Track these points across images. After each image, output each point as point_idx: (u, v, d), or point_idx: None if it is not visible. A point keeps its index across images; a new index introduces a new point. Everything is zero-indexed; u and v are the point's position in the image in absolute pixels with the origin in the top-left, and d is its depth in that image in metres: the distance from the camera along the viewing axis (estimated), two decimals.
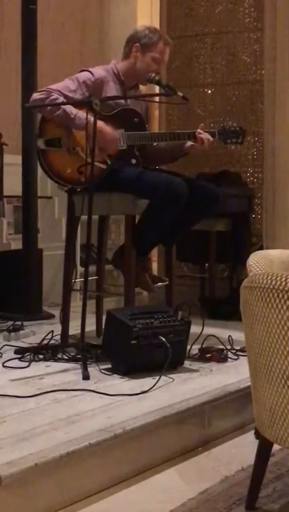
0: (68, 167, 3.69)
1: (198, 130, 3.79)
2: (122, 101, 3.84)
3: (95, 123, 3.38)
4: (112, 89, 3.81)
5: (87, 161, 3.48)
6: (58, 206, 5.49)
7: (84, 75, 3.77)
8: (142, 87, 4.10)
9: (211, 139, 3.82)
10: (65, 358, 3.52)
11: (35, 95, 3.69)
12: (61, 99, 3.63)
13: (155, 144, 3.94)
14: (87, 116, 3.45)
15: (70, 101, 3.65)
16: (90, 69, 3.81)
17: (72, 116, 3.61)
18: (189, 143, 3.86)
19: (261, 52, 5.12)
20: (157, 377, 3.12)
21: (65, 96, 3.66)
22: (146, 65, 3.84)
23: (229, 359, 3.60)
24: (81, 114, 3.60)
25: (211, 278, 5.12)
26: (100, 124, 3.52)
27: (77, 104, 3.64)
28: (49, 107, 3.62)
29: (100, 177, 3.63)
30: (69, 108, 3.62)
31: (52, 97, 3.63)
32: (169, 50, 3.91)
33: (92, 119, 3.39)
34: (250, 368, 2.27)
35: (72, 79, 3.74)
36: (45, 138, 3.72)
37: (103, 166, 3.67)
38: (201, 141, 3.78)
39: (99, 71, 3.81)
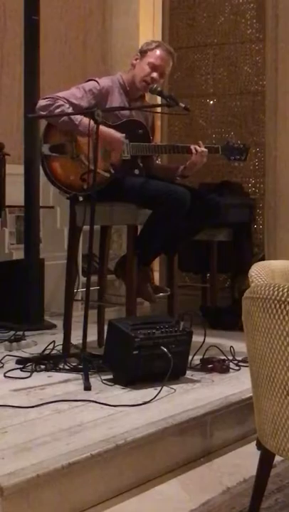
0: (71, 174, 3.71)
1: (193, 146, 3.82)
2: (127, 112, 3.86)
3: (96, 132, 3.39)
4: (117, 99, 3.85)
5: (90, 168, 3.49)
6: (60, 216, 5.50)
7: (90, 84, 3.83)
8: (148, 99, 4.12)
9: (203, 149, 3.83)
10: (67, 368, 3.52)
11: (42, 102, 3.72)
12: (67, 105, 3.67)
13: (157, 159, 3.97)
14: (89, 122, 3.46)
15: (75, 109, 3.67)
16: (96, 78, 3.87)
17: (77, 122, 3.64)
18: (183, 166, 3.91)
19: (263, 63, 5.13)
20: (159, 388, 3.11)
21: (71, 103, 3.69)
22: (141, 69, 3.87)
23: (231, 370, 3.60)
24: (85, 120, 3.61)
25: (212, 288, 5.12)
26: (103, 128, 3.55)
27: (79, 113, 3.66)
28: (55, 113, 3.64)
29: (103, 185, 3.63)
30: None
31: (57, 104, 3.66)
32: (169, 59, 3.90)
33: (95, 126, 3.41)
34: (252, 378, 2.26)
35: (79, 87, 3.80)
36: (50, 144, 3.73)
37: (106, 174, 3.68)
38: (195, 151, 3.80)
39: (105, 80, 3.87)
